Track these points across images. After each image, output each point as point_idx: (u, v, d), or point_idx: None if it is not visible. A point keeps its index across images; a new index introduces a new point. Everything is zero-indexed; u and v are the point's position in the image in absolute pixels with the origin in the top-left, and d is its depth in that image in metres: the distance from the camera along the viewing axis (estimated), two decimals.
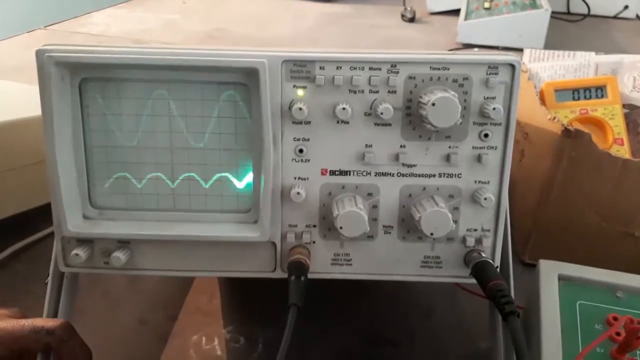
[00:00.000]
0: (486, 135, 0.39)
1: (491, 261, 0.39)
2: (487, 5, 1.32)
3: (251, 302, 0.54)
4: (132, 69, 0.38)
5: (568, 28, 1.43)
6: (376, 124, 0.39)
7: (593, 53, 0.66)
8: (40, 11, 2.00)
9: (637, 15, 1.53)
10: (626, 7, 1.51)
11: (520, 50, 0.71)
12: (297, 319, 0.35)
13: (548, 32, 1.22)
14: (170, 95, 0.38)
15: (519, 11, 1.25)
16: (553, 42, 1.23)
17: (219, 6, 1.64)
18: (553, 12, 1.25)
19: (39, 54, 0.37)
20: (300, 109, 0.37)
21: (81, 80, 0.38)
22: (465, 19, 1.29)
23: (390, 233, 0.41)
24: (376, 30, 1.42)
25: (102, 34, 1.34)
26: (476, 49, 1.26)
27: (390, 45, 1.30)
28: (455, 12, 1.41)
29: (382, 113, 0.37)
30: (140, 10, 1.57)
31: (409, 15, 1.47)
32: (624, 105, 0.61)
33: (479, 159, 0.39)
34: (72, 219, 0.39)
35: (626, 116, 0.60)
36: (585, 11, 1.50)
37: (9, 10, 2.19)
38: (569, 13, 1.52)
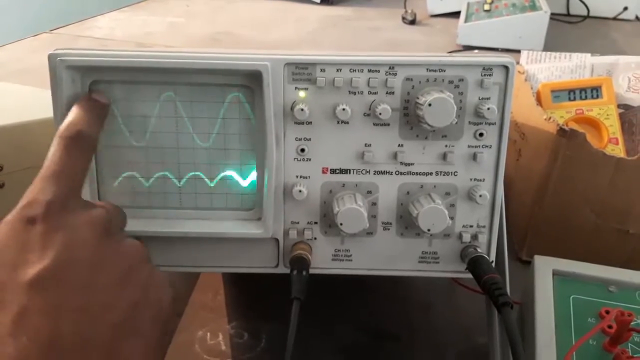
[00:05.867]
0: (481, 135, 0.40)
1: (486, 256, 0.41)
2: (486, 7, 1.33)
3: (254, 298, 0.55)
4: (140, 72, 0.39)
5: (568, 29, 1.44)
6: (375, 124, 0.40)
7: (589, 54, 0.67)
8: (45, 15, 2.02)
9: (637, 17, 1.54)
10: (625, 8, 1.52)
11: (519, 52, 0.73)
12: (297, 313, 0.36)
13: (548, 34, 1.23)
14: (177, 97, 0.40)
15: (519, 13, 1.26)
16: (553, 43, 1.24)
17: (222, 9, 1.65)
18: (552, 14, 1.26)
19: (51, 57, 0.38)
20: (302, 109, 0.39)
21: (91, 83, 0.40)
22: (465, 21, 1.30)
23: (389, 229, 0.42)
24: (377, 33, 1.43)
25: (107, 37, 1.36)
26: (476, 51, 1.27)
27: (392, 47, 1.31)
28: (456, 14, 1.42)
29: (380, 113, 0.39)
30: (144, 14, 1.58)
31: (409, 18, 1.48)
32: (619, 106, 0.62)
33: (474, 157, 0.40)
34: None
35: (621, 116, 0.61)
36: (585, 13, 1.51)
37: (15, 15, 2.21)
38: (568, 15, 1.53)
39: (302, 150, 0.41)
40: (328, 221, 0.42)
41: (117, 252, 0.31)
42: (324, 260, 0.43)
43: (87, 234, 0.30)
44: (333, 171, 0.41)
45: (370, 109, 0.40)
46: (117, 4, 1.64)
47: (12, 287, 0.27)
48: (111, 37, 1.36)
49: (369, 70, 0.39)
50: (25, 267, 0.27)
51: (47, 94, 0.39)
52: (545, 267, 0.45)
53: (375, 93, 0.40)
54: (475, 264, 0.40)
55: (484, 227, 0.42)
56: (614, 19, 1.52)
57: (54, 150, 0.33)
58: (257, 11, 1.66)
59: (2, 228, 0.29)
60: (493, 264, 0.41)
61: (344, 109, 0.39)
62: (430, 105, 0.37)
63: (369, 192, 0.41)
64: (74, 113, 0.36)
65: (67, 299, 0.28)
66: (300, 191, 0.40)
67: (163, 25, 1.47)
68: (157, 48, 1.24)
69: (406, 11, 1.50)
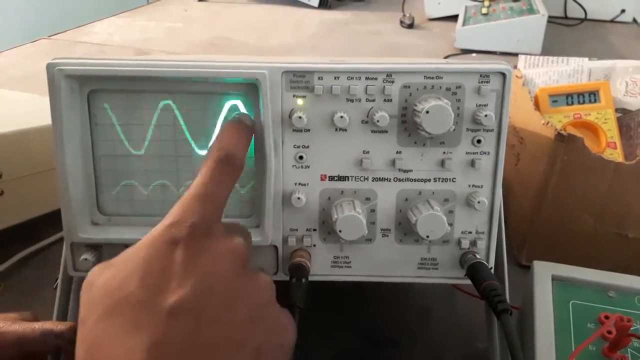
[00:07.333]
0: (479, 141, 0.40)
1: (485, 262, 0.41)
2: (484, 11, 1.33)
3: None
4: (138, 81, 0.39)
5: (565, 32, 1.45)
6: (373, 131, 0.40)
7: (586, 59, 0.67)
8: (43, 21, 2.02)
9: (634, 19, 1.54)
10: (623, 11, 1.52)
11: (517, 55, 0.73)
12: (297, 320, 0.36)
13: (545, 37, 1.24)
14: (175, 105, 0.40)
15: (516, 16, 1.26)
16: (550, 46, 1.24)
17: (220, 14, 1.66)
18: (550, 17, 1.26)
19: (50, 67, 0.38)
20: (300, 117, 0.39)
21: (89, 92, 0.40)
22: (463, 24, 1.30)
23: (388, 236, 0.42)
24: (376, 37, 1.43)
25: (105, 43, 1.36)
26: (474, 54, 1.27)
27: (390, 51, 1.31)
28: (454, 17, 1.42)
29: (378, 121, 0.39)
30: (142, 20, 1.58)
31: (407, 22, 1.48)
32: (616, 110, 0.62)
33: (472, 163, 0.41)
34: (82, 225, 0.41)
35: (619, 120, 0.62)
36: (582, 15, 1.51)
37: (13, 21, 2.22)
38: (566, 17, 1.53)
39: (301, 157, 0.41)
40: (327, 228, 0.42)
41: (252, 287, 0.30)
42: (323, 267, 0.43)
43: (227, 265, 0.29)
44: (331, 178, 0.41)
45: (368, 116, 0.40)
46: (115, 9, 1.65)
47: (151, 312, 0.26)
48: (110, 42, 1.36)
49: (367, 78, 0.39)
50: (166, 293, 0.27)
51: (46, 101, 0.39)
52: (544, 272, 0.45)
53: (373, 100, 0.40)
54: (474, 270, 0.40)
55: (482, 233, 0.42)
56: (612, 21, 1.53)
57: (204, 171, 0.32)
58: (254, 16, 1.66)
59: (146, 248, 0.28)
60: (492, 270, 0.42)
61: (342, 117, 0.39)
62: (427, 112, 0.37)
63: (368, 199, 0.42)
64: (224, 135, 0.35)
65: (200, 332, 0.27)
66: (299, 198, 0.40)
67: (161, 30, 1.47)
68: (155, 55, 1.24)
69: (404, 15, 1.51)
